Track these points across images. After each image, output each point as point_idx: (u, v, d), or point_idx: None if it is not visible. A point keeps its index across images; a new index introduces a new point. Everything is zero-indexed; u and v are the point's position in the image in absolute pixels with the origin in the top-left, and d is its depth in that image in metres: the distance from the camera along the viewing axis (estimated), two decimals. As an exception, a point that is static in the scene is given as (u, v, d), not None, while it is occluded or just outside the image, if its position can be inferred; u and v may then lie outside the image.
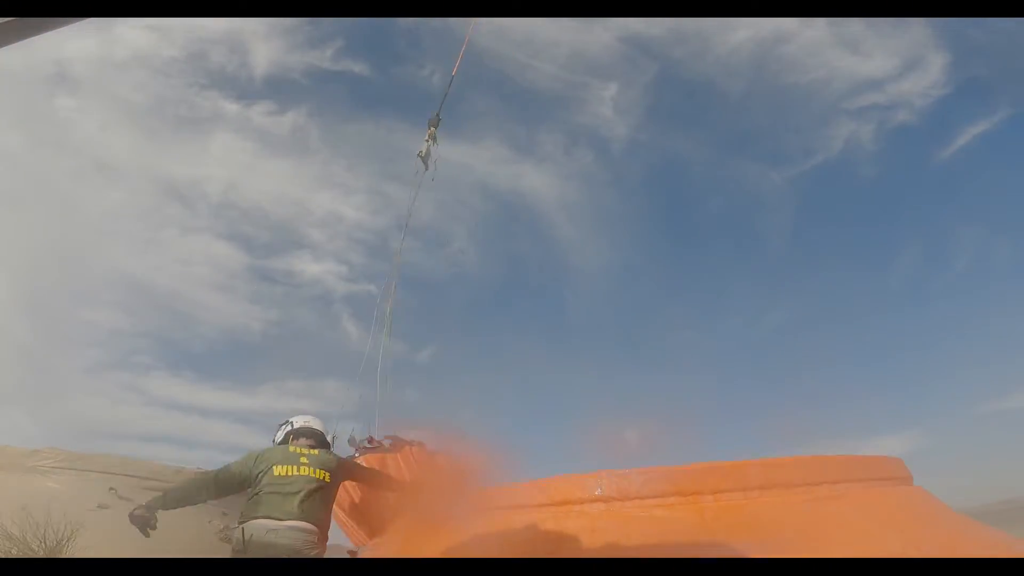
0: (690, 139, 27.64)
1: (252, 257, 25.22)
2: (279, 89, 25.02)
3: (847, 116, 25.27)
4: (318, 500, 3.37)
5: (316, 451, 3.61)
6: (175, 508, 3.52)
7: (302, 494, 3.31)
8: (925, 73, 23.52)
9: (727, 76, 25.78)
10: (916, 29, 23.33)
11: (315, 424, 3.83)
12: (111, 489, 8.82)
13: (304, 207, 25.95)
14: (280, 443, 3.74)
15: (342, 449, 4.13)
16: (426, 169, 6.11)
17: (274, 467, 3.41)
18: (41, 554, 7.11)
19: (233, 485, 3.53)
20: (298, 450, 3.55)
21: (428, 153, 6.14)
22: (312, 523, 3.28)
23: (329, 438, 3.87)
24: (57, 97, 21.93)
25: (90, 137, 23.01)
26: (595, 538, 3.12)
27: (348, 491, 4.23)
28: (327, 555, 3.37)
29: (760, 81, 26.05)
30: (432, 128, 6.23)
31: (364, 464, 4.18)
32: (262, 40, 24.09)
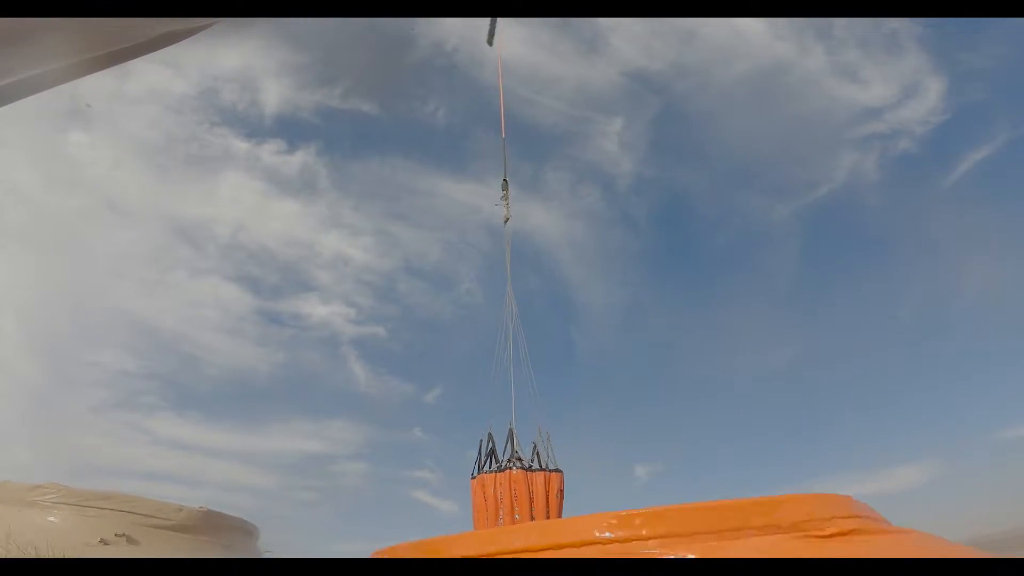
0: (695, 173, 27.75)
1: (260, 299, 25.27)
2: (289, 127, 25.38)
3: (849, 146, 25.36)
4: None
5: None
6: None
7: None
8: (923, 100, 23.58)
9: (729, 109, 26.00)
10: (911, 55, 23.53)
11: None
12: (118, 535, 8.69)
13: (312, 249, 26.05)
14: None
15: None
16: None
17: None
18: None
19: None
20: None
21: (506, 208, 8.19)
22: None
23: None
24: (71, 133, 22.26)
25: (102, 175, 23.26)
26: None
27: None
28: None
29: (762, 113, 26.28)
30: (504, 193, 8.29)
31: None
32: (273, 77, 24.49)
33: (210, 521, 9.71)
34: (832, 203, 26.37)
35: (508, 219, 8.27)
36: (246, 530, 10.70)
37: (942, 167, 25.25)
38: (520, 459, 6.62)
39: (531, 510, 6.43)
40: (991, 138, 24.39)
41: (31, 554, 7.56)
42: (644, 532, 3.23)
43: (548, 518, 6.42)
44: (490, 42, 9.12)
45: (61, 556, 7.45)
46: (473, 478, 6.77)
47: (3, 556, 7.46)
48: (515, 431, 6.70)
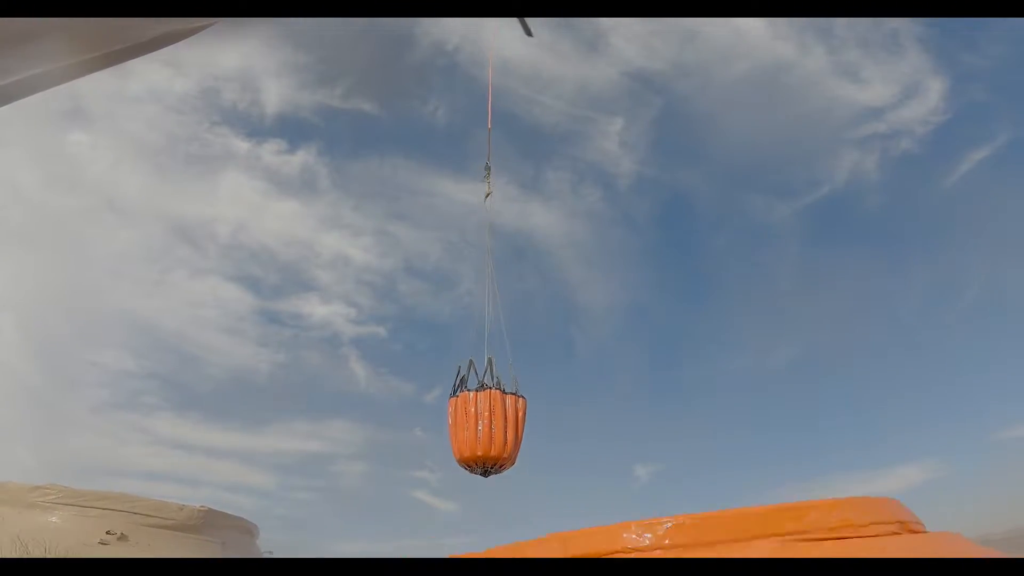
0: (695, 173, 27.73)
1: (260, 299, 25.26)
2: (289, 127, 25.36)
3: (850, 146, 25.31)
4: None
5: None
6: None
7: None
8: (924, 100, 23.53)
9: (730, 109, 25.98)
10: (911, 55, 23.49)
11: None
12: (109, 533, 8.68)
13: (312, 249, 26.06)
14: None
15: None
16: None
17: None
18: None
19: None
20: None
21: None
22: None
23: None
24: (71, 132, 22.27)
25: (102, 175, 23.23)
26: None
27: None
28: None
29: (762, 113, 26.25)
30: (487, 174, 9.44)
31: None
32: (274, 77, 24.50)
33: (211, 520, 9.72)
34: (833, 203, 26.38)
35: (489, 194, 9.57)
36: (246, 529, 10.72)
37: (943, 167, 25.23)
38: (493, 383, 8.05)
39: (504, 424, 7.93)
40: (992, 138, 24.39)
41: (32, 555, 7.56)
42: (667, 542, 3.21)
43: (515, 433, 8.03)
44: (528, 33, 10.31)
45: (63, 556, 7.46)
46: (454, 397, 8.08)
47: (5, 556, 7.47)
48: (493, 360, 8.20)
